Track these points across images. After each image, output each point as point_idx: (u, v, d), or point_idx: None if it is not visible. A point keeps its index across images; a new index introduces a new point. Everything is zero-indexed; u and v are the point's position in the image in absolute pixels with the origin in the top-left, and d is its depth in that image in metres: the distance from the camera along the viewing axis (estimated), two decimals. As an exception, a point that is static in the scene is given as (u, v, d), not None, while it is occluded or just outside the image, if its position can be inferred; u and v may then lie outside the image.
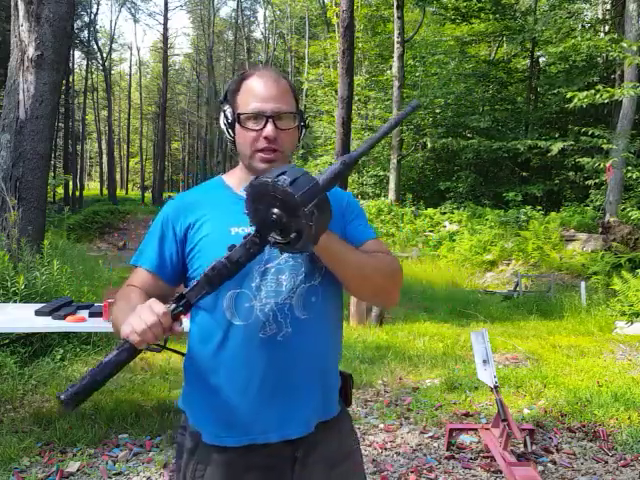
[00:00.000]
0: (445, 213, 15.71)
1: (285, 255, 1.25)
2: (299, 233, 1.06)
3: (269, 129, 1.25)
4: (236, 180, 1.36)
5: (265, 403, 1.23)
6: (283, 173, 1.05)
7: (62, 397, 1.08)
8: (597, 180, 11.11)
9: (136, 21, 74.14)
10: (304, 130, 1.36)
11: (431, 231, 15.01)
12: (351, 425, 1.43)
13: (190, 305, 1.15)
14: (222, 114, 1.33)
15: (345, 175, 1.19)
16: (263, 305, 1.23)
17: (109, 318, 1.31)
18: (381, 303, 1.36)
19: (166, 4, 34.11)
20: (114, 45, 41.44)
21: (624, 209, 10.42)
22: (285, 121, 1.28)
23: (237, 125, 1.29)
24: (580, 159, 10.71)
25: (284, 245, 1.10)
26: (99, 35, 38.86)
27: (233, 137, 1.32)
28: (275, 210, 1.06)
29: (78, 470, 2.97)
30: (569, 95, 9.30)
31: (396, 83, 15.96)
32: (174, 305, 1.13)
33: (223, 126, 1.33)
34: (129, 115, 43.65)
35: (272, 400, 1.23)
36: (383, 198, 17.57)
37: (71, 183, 29.54)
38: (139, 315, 1.08)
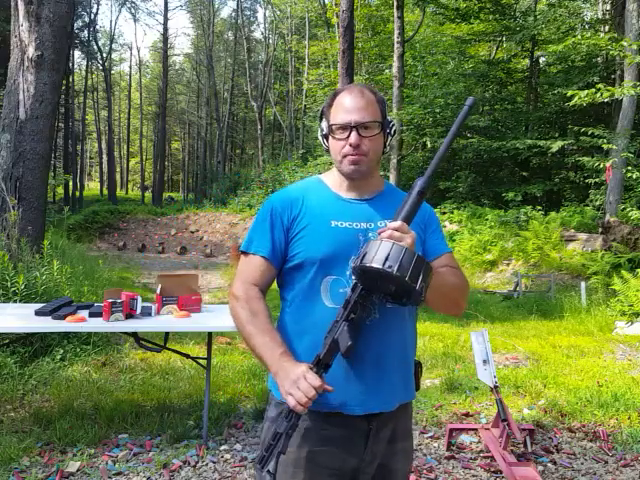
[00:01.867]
0: (445, 213, 15.70)
1: None
2: (409, 297, 1.27)
3: (353, 137, 1.43)
4: (332, 180, 1.55)
5: (352, 378, 1.40)
6: (387, 259, 1.20)
7: (270, 470, 1.29)
8: (597, 180, 11.10)
9: (136, 21, 74.24)
10: (390, 137, 1.52)
11: (431, 231, 14.98)
12: (412, 408, 1.61)
13: (329, 365, 1.32)
14: (319, 128, 1.54)
15: (422, 200, 1.38)
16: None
17: (236, 327, 1.50)
18: (451, 313, 1.49)
19: (166, 4, 34.13)
20: (114, 45, 41.51)
21: (624, 209, 10.40)
22: (369, 129, 1.45)
23: (330, 135, 1.49)
24: (580, 158, 10.71)
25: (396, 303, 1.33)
26: (99, 35, 38.90)
27: (327, 146, 1.52)
28: (390, 287, 1.25)
29: (78, 470, 2.97)
30: (569, 94, 9.28)
31: (396, 83, 15.95)
32: (316, 368, 1.31)
33: (320, 138, 1.54)
34: (129, 115, 43.64)
35: (357, 376, 1.40)
36: (383, 198, 17.47)
37: (71, 183, 29.55)
38: (298, 387, 1.26)
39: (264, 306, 1.46)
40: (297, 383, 1.27)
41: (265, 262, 1.48)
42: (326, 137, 1.52)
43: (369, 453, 1.43)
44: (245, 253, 1.52)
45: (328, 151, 1.53)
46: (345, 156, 1.46)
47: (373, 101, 1.48)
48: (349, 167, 1.46)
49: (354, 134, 1.43)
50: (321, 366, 1.31)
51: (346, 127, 1.44)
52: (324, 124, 1.52)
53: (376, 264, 1.20)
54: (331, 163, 1.55)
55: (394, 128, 1.52)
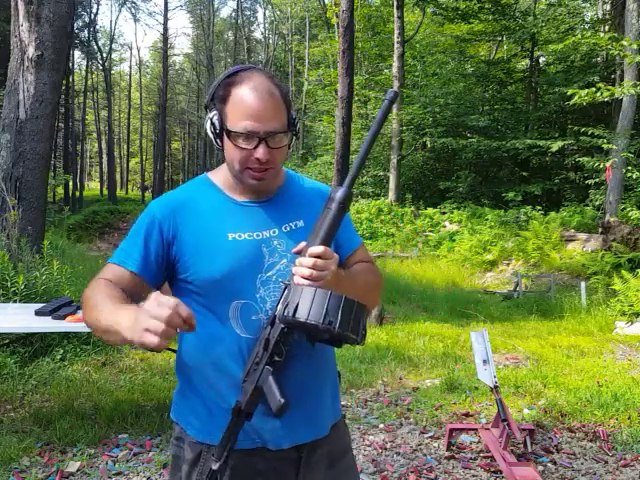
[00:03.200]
0: (445, 213, 15.71)
1: (285, 261, 1.25)
2: (344, 342, 1.13)
3: (261, 152, 1.19)
4: (224, 180, 1.31)
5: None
6: (326, 313, 1.05)
7: None
8: (597, 180, 11.11)
9: (136, 21, 74.25)
10: (295, 137, 1.30)
11: (431, 231, 15.02)
12: (345, 422, 1.44)
13: (251, 415, 1.15)
14: (209, 121, 1.25)
15: (344, 215, 1.18)
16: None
17: (83, 318, 1.23)
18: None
19: (166, 4, 34.13)
20: (114, 45, 41.50)
21: (624, 209, 10.42)
22: (277, 140, 1.21)
23: (226, 139, 1.23)
24: (580, 158, 10.73)
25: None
26: (99, 35, 38.90)
27: (221, 146, 1.26)
28: (324, 336, 1.12)
29: (78, 470, 2.97)
30: (570, 92, 9.28)
31: (396, 83, 15.97)
32: (236, 419, 1.14)
33: (210, 134, 1.26)
34: (129, 115, 43.66)
35: None
36: (383, 198, 17.58)
37: (71, 183, 29.53)
38: (149, 316, 0.96)
39: (113, 286, 1.21)
40: (148, 312, 0.96)
41: (135, 278, 1.24)
42: (219, 136, 1.24)
43: None
44: (113, 263, 1.27)
45: (221, 150, 1.26)
46: (249, 168, 1.22)
47: (280, 100, 1.22)
48: (252, 182, 1.24)
49: (263, 148, 1.19)
50: (242, 416, 1.14)
51: (251, 137, 1.19)
52: (215, 119, 1.23)
53: (314, 320, 1.05)
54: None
55: (299, 125, 1.29)
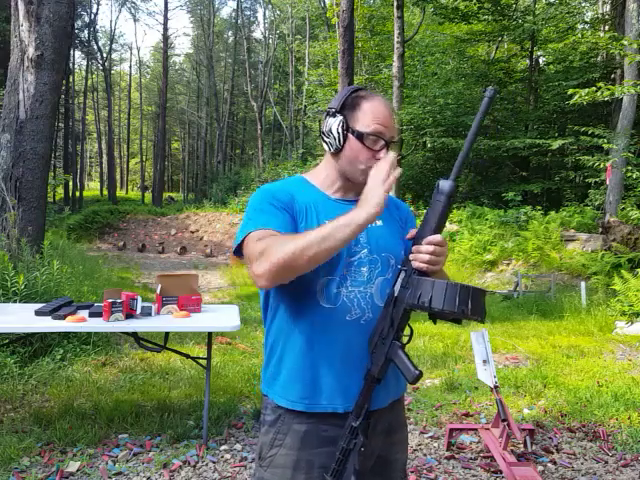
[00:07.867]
0: (445, 213, 15.68)
1: (366, 250, 1.45)
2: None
3: (385, 154, 1.40)
4: (320, 181, 1.52)
5: (347, 378, 1.40)
6: (460, 303, 1.22)
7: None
8: (597, 179, 11.10)
9: (136, 21, 74.24)
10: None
11: (431, 231, 14.98)
12: (403, 399, 1.63)
13: (380, 380, 1.36)
14: (336, 123, 1.43)
15: (451, 206, 1.36)
16: (349, 292, 1.41)
17: (272, 262, 1.27)
18: None
19: (166, 4, 34.07)
20: (114, 45, 41.49)
21: (624, 209, 10.41)
22: (391, 149, 1.44)
23: (354, 139, 1.42)
24: (581, 157, 10.72)
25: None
26: (99, 35, 38.90)
27: (341, 146, 1.44)
28: (452, 317, 1.28)
29: (78, 470, 2.97)
30: (570, 92, 9.27)
31: (396, 83, 15.95)
32: (367, 385, 1.36)
33: (336, 134, 1.44)
34: (129, 115, 43.63)
35: (354, 375, 1.39)
36: (383, 198, 17.49)
37: (71, 183, 29.54)
38: (381, 180, 1.28)
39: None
40: (377, 178, 1.29)
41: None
42: (343, 136, 1.43)
43: (368, 447, 1.42)
44: (249, 234, 1.36)
45: (337, 150, 1.45)
46: (370, 167, 1.38)
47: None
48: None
49: (386, 152, 1.41)
50: (374, 381, 1.35)
51: (379, 140, 1.42)
52: (344, 122, 1.43)
53: (448, 309, 1.23)
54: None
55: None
